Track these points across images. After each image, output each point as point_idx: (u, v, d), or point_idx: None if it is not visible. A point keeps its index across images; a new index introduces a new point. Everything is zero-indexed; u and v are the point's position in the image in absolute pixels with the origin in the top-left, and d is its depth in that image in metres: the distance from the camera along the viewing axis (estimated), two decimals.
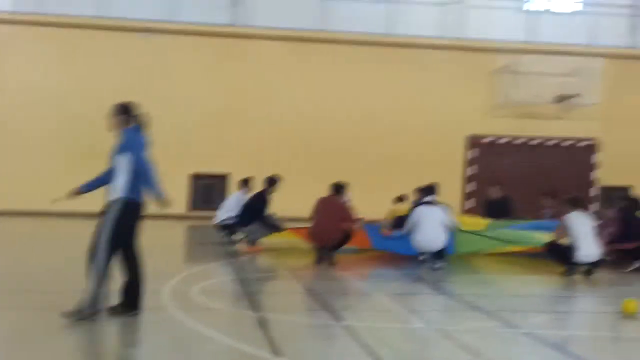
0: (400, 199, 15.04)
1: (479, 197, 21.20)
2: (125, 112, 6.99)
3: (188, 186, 21.78)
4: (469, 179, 22.11)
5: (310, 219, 11.82)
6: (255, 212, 13.18)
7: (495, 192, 15.49)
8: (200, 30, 21.78)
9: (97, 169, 7.24)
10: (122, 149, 6.80)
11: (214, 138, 21.64)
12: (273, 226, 13.26)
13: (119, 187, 6.72)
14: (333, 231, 11.49)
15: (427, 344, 6.52)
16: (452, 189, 21.64)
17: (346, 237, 11.63)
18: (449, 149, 22.33)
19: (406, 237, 11.60)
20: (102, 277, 6.51)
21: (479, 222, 14.01)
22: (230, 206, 14.22)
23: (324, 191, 15.58)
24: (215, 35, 21.86)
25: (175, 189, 21.45)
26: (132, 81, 21.39)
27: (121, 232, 6.67)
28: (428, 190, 12.02)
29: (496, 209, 14.85)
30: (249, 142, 21.64)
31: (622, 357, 6.17)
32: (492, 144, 22.39)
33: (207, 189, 21.82)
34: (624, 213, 12.08)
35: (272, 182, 13.45)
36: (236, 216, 13.67)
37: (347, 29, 22.16)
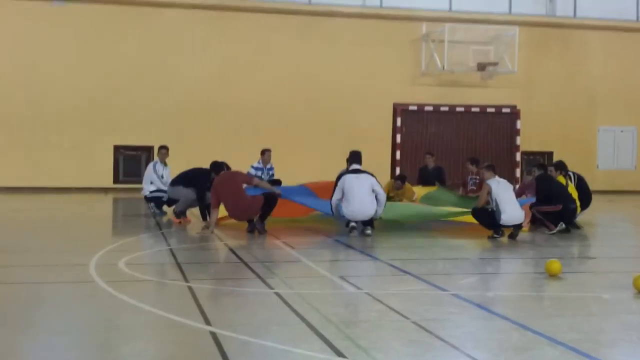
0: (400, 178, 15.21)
1: (406, 164, 21.50)
2: None
3: (112, 158, 21.32)
4: (397, 147, 22.32)
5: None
6: (189, 184, 12.79)
7: (430, 162, 16.54)
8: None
9: None
10: None
11: (138, 109, 21.18)
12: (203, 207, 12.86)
13: None
14: (248, 204, 11.40)
15: (357, 307, 6.58)
16: (382, 156, 21.88)
17: (269, 202, 11.48)
18: (377, 117, 22.47)
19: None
20: None
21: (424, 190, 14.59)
22: (152, 178, 13.95)
23: (251, 160, 15.60)
24: (127, 4, 21.20)
25: (99, 161, 21.23)
26: (40, 52, 20.75)
27: None
28: (353, 157, 11.84)
29: (431, 178, 15.92)
30: (172, 113, 21.25)
31: (544, 315, 6.36)
32: (417, 111, 22.62)
33: (131, 161, 21.42)
34: (541, 181, 12.38)
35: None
36: (166, 190, 13.41)
37: None
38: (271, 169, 15.15)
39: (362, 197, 11.20)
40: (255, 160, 15.15)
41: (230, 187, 11.39)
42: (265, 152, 15.14)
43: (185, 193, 12.76)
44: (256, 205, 11.41)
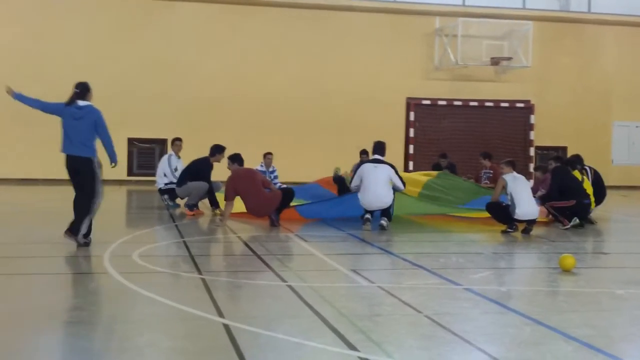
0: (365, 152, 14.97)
1: (419, 158, 21.44)
2: None
3: (126, 151, 21.38)
4: (410, 141, 22.26)
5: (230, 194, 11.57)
6: (196, 178, 13.01)
7: (442, 161, 16.66)
8: None
9: None
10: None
11: (152, 102, 21.22)
12: (211, 195, 13.10)
13: None
14: (268, 200, 11.54)
15: (370, 301, 6.58)
16: (395, 151, 21.82)
17: (286, 197, 11.68)
18: (391, 112, 22.43)
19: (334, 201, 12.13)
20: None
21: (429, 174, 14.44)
22: (165, 170, 14.12)
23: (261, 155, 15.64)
24: None
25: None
26: (53, 45, 20.79)
27: None
28: (375, 147, 11.86)
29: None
30: (186, 106, 21.28)
31: (557, 310, 6.34)
32: (431, 106, 22.53)
33: (145, 154, 21.49)
34: (557, 174, 12.32)
35: (217, 149, 13.25)
36: (176, 182, 13.51)
37: None
38: (274, 171, 15.31)
39: (376, 187, 11.26)
40: (259, 162, 15.32)
41: (251, 184, 11.53)
42: (266, 156, 15.44)
43: (196, 185, 12.90)
44: (276, 201, 11.55)
